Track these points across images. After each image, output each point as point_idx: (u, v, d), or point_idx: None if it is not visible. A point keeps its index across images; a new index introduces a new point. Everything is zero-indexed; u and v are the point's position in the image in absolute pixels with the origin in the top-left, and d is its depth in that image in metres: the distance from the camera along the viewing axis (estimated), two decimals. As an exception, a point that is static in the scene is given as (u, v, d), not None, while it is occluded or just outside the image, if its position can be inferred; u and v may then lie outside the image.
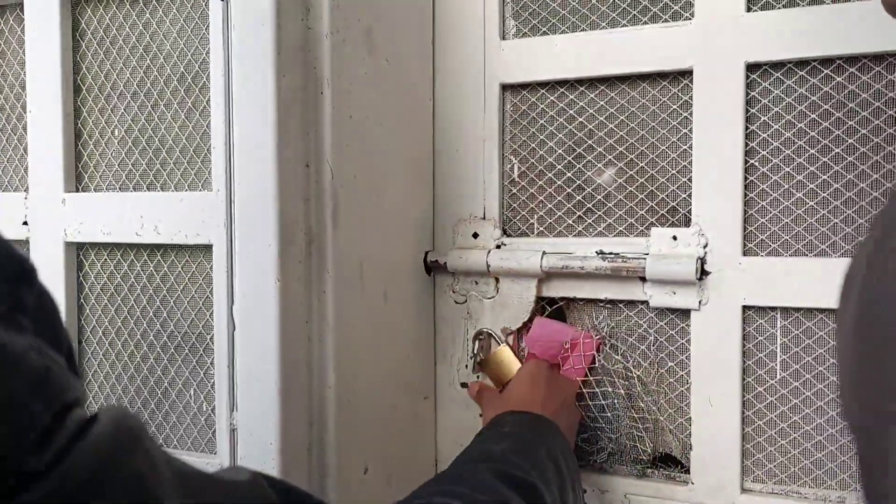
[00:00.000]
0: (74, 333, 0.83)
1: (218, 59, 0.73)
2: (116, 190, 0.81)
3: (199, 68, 0.77)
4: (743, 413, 0.82)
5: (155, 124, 0.80)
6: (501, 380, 0.88)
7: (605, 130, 0.88)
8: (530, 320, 0.91)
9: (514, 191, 0.93)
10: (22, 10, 0.84)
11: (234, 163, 0.72)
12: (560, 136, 0.91)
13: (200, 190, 0.77)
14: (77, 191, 0.83)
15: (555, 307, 0.91)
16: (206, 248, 0.76)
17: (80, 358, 0.83)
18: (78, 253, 0.83)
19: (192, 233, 0.75)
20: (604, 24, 0.88)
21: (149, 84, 0.80)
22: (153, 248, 0.80)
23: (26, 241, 0.84)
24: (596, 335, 0.88)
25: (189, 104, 0.78)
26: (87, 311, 0.83)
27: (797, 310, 0.80)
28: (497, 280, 0.92)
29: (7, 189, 0.89)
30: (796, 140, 0.80)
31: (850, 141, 0.78)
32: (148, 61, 0.80)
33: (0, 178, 0.90)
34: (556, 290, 0.90)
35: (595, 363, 0.87)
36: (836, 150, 0.78)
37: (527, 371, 0.85)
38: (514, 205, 0.94)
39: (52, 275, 0.81)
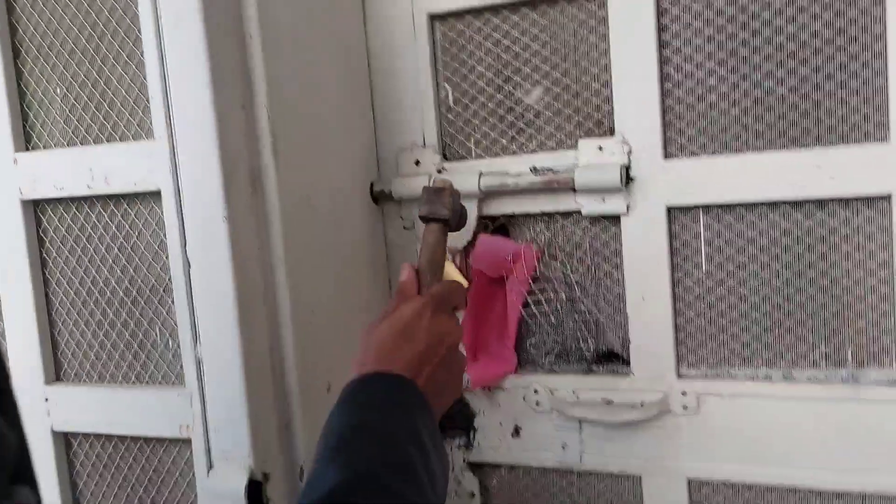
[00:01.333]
0: (40, 288, 0.87)
1: (147, 10, 0.75)
2: (65, 146, 0.85)
3: (131, 21, 0.80)
4: (675, 306, 0.89)
5: (94, 79, 0.83)
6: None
7: (531, 52, 0.92)
8: (475, 239, 0.96)
9: (451, 117, 0.97)
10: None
11: (173, 111, 0.76)
12: (489, 60, 0.94)
13: (144, 139, 0.80)
14: (27, 150, 0.86)
15: (497, 224, 0.96)
16: (155, 195, 0.80)
17: (49, 310, 0.87)
18: (35, 210, 0.87)
19: (140, 180, 0.79)
20: (522, -53, 0.90)
21: (84, 40, 0.82)
22: (105, 199, 0.83)
23: (-16, 204, 0.88)
24: (535, 247, 0.93)
25: (125, 57, 0.81)
26: (50, 264, 0.87)
27: (718, 206, 0.86)
28: (441, 204, 0.97)
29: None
30: (706, 46, 0.84)
31: (755, 43, 0.82)
32: (81, 18, 0.82)
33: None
34: (497, 208, 0.95)
35: (536, 272, 0.93)
36: (744, 54, 0.83)
37: (407, 314, 0.67)
38: (452, 130, 0.98)
39: (11, 233, 0.85)
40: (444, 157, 0.98)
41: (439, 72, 0.97)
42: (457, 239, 0.97)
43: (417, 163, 0.98)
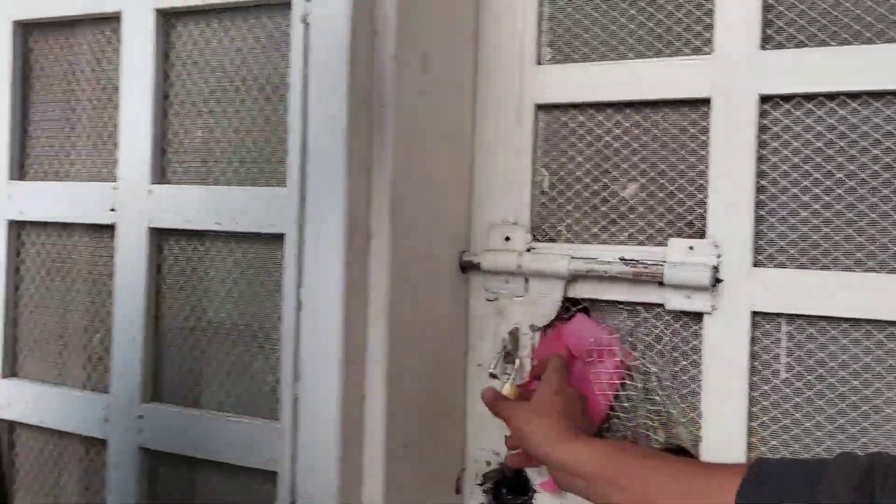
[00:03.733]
0: (152, 310, 0.93)
1: (297, 73, 0.83)
2: (197, 183, 0.92)
3: (279, 81, 0.88)
4: (749, 409, 0.91)
5: (236, 127, 0.90)
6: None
7: (630, 149, 0.98)
8: (557, 319, 1.00)
9: (545, 200, 1.03)
10: (118, 22, 0.95)
11: (308, 163, 0.82)
12: (588, 152, 1.01)
13: (276, 186, 0.87)
14: (161, 182, 0.93)
15: (579, 307, 1.01)
16: (278, 237, 0.86)
17: (157, 331, 0.93)
18: (159, 239, 0.94)
19: (265, 224, 0.86)
20: (631, 56, 0.98)
21: (231, 92, 0.91)
22: (229, 236, 0.90)
23: (111, 227, 0.95)
24: (618, 337, 0.97)
25: (267, 112, 0.89)
26: (164, 290, 0.93)
27: (801, 316, 0.89)
28: (527, 280, 1.01)
29: (97, 179, 1.00)
30: (803, 165, 0.89)
31: (850, 168, 0.87)
32: (231, 73, 0.91)
33: (91, 169, 1.01)
34: (582, 291, 0.99)
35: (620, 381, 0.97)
36: (839, 176, 0.88)
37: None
38: (544, 213, 1.03)
39: (136, 257, 0.92)
40: (534, 238, 1.03)
41: (538, 157, 1.03)
42: (538, 317, 1.01)
43: (507, 239, 1.03)
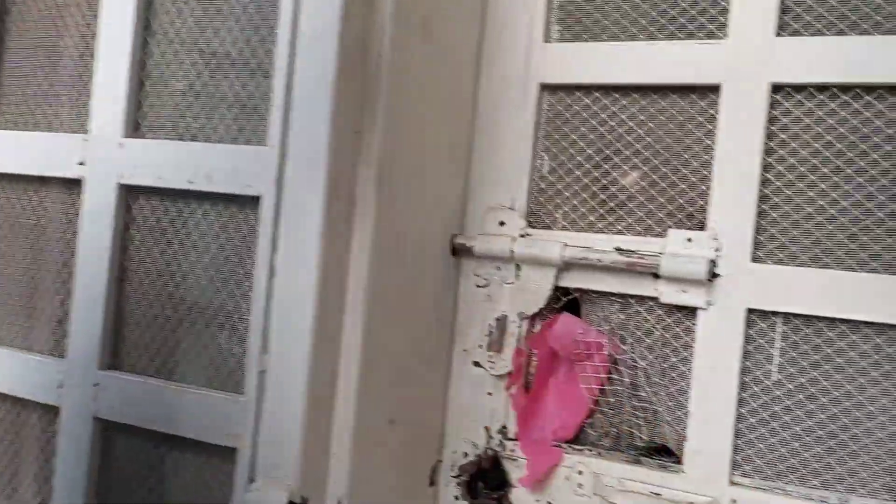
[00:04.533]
0: (116, 272, 0.87)
1: (285, 28, 0.78)
2: (173, 139, 0.86)
3: (265, 34, 0.83)
4: (738, 410, 0.87)
5: (219, 79, 0.85)
6: None
7: (634, 136, 0.94)
8: (546, 308, 0.96)
9: (543, 185, 0.99)
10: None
11: (291, 123, 0.77)
12: (591, 137, 0.96)
13: (255, 145, 0.82)
14: (135, 136, 0.88)
15: (570, 298, 0.96)
16: (255, 200, 0.80)
17: (120, 295, 0.87)
18: (128, 196, 0.88)
19: (242, 184, 0.80)
20: (642, 37, 0.94)
21: (215, 44, 0.85)
22: (202, 196, 0.84)
23: (79, 181, 0.89)
24: (610, 333, 0.93)
25: (252, 65, 0.83)
26: (131, 251, 0.88)
27: (798, 316, 0.85)
28: (518, 267, 0.97)
29: (66, 130, 0.94)
30: (811, 159, 0.85)
31: (861, 164, 0.83)
32: (216, 24, 0.85)
33: (59, 120, 0.95)
34: (574, 281, 0.95)
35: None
36: (848, 171, 0.84)
37: None
38: (542, 199, 0.99)
39: (103, 215, 0.86)
40: (529, 224, 0.98)
41: (539, 140, 0.99)
42: (528, 305, 0.96)
43: (502, 224, 0.99)
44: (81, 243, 0.89)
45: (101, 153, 0.88)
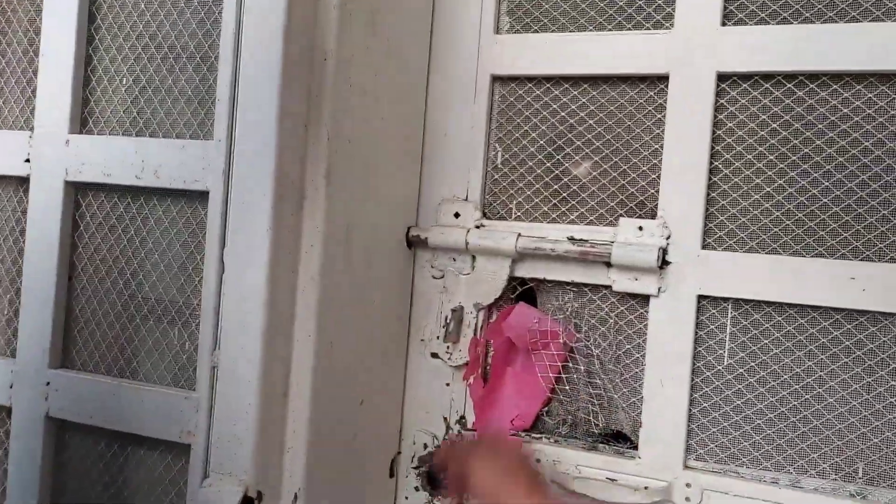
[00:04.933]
0: (65, 270, 0.86)
1: (230, 19, 0.77)
2: (120, 135, 0.85)
3: (211, 26, 0.82)
4: (691, 395, 0.88)
5: (163, 74, 0.84)
6: None
7: (585, 126, 0.95)
8: (501, 298, 0.96)
9: (497, 176, 0.99)
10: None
11: (237, 115, 0.77)
12: (543, 128, 0.97)
13: (202, 139, 0.81)
14: (81, 133, 0.86)
15: (525, 287, 0.97)
16: (203, 195, 0.80)
17: (70, 293, 0.86)
18: (76, 193, 0.87)
19: (190, 179, 0.80)
20: (591, 28, 0.94)
21: (160, 37, 0.84)
22: (150, 192, 0.84)
23: (27, 179, 0.88)
24: (565, 321, 0.93)
25: (197, 59, 0.83)
26: (80, 249, 0.87)
27: (747, 301, 0.87)
28: (474, 258, 0.97)
29: (12, 127, 0.92)
30: (757, 146, 0.87)
31: (805, 150, 0.85)
32: (161, 17, 0.84)
33: (4, 116, 0.94)
34: (528, 271, 0.95)
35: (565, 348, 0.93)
36: (793, 158, 0.85)
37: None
38: (496, 189, 0.99)
39: (50, 212, 0.85)
40: (484, 215, 0.99)
41: (492, 132, 0.99)
42: (484, 296, 0.97)
43: (457, 215, 0.99)
44: (29, 241, 0.87)
45: (47, 150, 0.86)
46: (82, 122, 0.87)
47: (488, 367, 0.98)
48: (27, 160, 0.88)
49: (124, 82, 0.86)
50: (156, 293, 0.84)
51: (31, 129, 0.88)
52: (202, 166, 0.79)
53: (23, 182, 0.91)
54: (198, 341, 0.79)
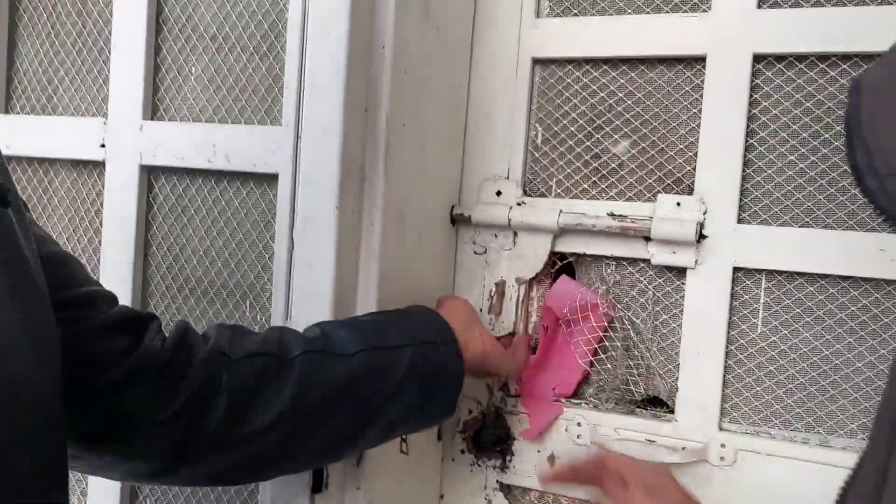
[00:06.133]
0: (141, 249, 0.93)
1: (296, 13, 0.83)
2: (190, 121, 0.91)
3: (276, 17, 0.87)
4: (725, 362, 0.94)
5: (231, 64, 0.89)
6: None
7: (624, 106, 0.99)
8: (543, 272, 1.02)
9: (537, 155, 1.04)
10: (111, -46, 0.93)
11: (305, 103, 0.82)
12: (582, 108, 1.02)
13: (270, 125, 0.87)
14: (153, 119, 0.92)
15: (566, 262, 1.02)
16: (272, 177, 0.85)
17: (145, 270, 0.92)
18: (150, 176, 0.93)
19: (259, 162, 0.85)
20: (629, 11, 0.98)
21: (227, 28, 0.90)
22: (220, 175, 0.89)
23: (101, 163, 0.94)
24: (605, 294, 0.99)
25: (264, 48, 0.88)
26: (154, 228, 0.93)
27: (780, 273, 0.92)
28: (515, 234, 1.03)
29: (84, 114, 0.98)
30: (791, 125, 0.91)
31: (837, 128, 0.89)
32: (228, 8, 0.89)
33: (77, 104, 1.00)
34: (569, 245, 1.01)
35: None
36: (826, 136, 0.90)
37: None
38: (536, 168, 1.04)
39: (126, 194, 0.91)
40: (525, 192, 1.04)
41: (533, 112, 1.04)
42: (525, 270, 1.02)
43: (499, 193, 1.04)
44: (106, 221, 0.94)
45: (122, 135, 0.92)
46: (153, 109, 0.92)
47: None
48: (102, 145, 0.93)
49: (193, 71, 0.91)
50: (228, 269, 0.90)
51: (105, 116, 0.94)
52: (271, 150, 0.84)
53: (96, 166, 0.97)
54: (269, 312, 0.85)
